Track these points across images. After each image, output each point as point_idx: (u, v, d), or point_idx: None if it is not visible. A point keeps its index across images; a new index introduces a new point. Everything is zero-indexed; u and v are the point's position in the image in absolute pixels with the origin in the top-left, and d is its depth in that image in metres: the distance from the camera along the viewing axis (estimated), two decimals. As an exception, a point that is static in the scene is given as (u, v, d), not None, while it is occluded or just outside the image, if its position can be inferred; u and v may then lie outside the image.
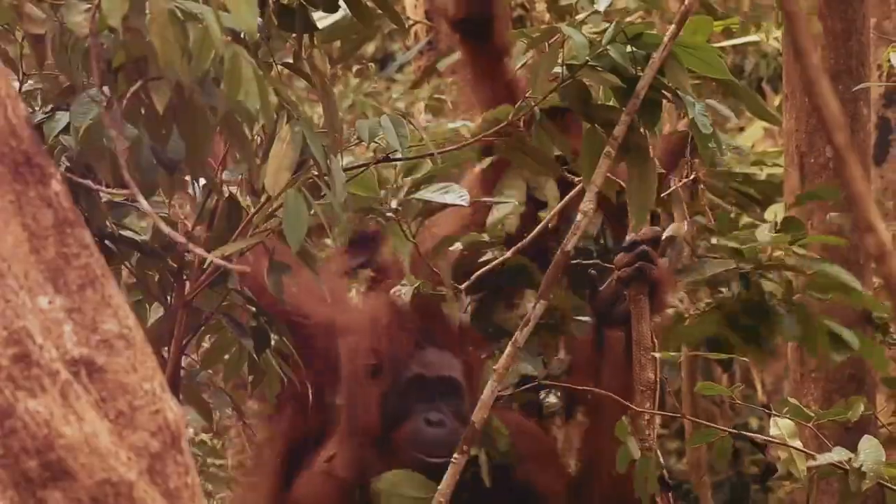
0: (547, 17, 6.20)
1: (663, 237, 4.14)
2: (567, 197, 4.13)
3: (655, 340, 3.90)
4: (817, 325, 4.10)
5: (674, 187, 4.32)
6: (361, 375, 4.08)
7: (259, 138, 3.30)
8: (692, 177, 4.33)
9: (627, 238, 3.97)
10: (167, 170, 3.12)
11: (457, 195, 3.67)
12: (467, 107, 4.62)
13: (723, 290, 4.21)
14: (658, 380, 3.87)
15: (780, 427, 3.89)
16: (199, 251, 2.88)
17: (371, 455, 4.02)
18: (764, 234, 4.18)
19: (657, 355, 3.90)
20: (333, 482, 4.06)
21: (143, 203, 2.72)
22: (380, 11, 3.44)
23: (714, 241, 4.14)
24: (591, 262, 4.17)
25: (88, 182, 3.17)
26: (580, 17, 4.30)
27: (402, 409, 4.00)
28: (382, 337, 4.07)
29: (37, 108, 3.32)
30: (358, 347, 4.09)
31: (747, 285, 4.17)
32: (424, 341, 4.07)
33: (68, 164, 3.25)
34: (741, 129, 6.54)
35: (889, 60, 4.82)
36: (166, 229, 2.77)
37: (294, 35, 3.38)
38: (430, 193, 3.66)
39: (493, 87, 4.32)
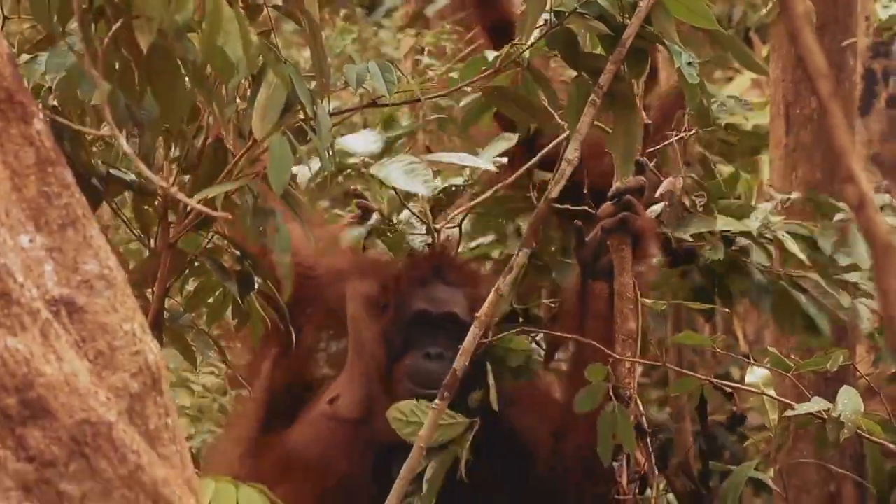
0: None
1: (658, 193, 4.15)
2: (552, 143, 4.14)
3: (638, 291, 3.90)
4: (793, 306, 4.10)
5: (669, 141, 4.33)
6: (368, 314, 4.10)
7: (246, 82, 3.29)
8: (684, 129, 4.32)
9: (612, 188, 3.97)
10: (139, 129, 3.11)
11: (422, 180, 3.65)
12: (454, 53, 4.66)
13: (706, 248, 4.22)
14: (640, 329, 3.87)
15: (755, 375, 3.92)
16: (182, 196, 2.87)
17: (377, 392, 4.04)
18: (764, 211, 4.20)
19: (646, 302, 3.92)
20: (338, 423, 4.07)
21: (125, 145, 2.71)
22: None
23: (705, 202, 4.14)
24: (578, 208, 4.14)
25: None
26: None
27: (406, 344, 4.03)
28: (389, 275, 4.10)
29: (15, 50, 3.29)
30: (365, 287, 4.11)
31: (730, 244, 4.18)
32: (431, 278, 4.10)
33: (54, 104, 3.23)
34: (729, 80, 6.53)
35: (877, 13, 4.81)
36: (147, 171, 2.76)
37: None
38: (396, 173, 3.63)
39: None
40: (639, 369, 3.89)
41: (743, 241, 4.19)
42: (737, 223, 4.17)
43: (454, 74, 4.82)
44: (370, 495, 3.96)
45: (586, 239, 3.96)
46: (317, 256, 4.11)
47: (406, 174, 3.77)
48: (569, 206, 4.09)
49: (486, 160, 4.08)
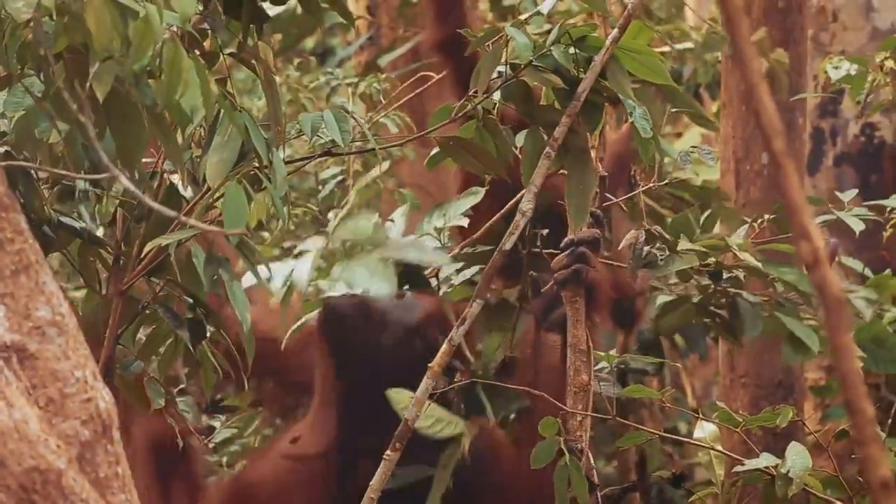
0: (489, 16, 6.22)
1: (621, 246, 4.17)
2: (512, 201, 4.15)
3: (591, 343, 3.91)
4: (776, 323, 4.10)
5: (632, 193, 4.35)
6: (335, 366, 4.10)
7: (201, 129, 3.29)
8: (641, 181, 4.35)
9: (565, 239, 3.98)
10: (95, 170, 3.11)
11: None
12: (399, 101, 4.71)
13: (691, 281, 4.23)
14: (591, 382, 3.87)
15: (704, 430, 3.93)
16: (195, 223, 2.85)
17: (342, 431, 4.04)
18: (736, 238, 4.22)
19: (599, 355, 3.92)
20: (298, 462, 4.06)
21: (125, 180, 2.70)
22: (326, 5, 3.43)
23: (682, 244, 4.15)
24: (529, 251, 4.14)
25: (28, 166, 3.15)
26: (523, 17, 4.31)
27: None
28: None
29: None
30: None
31: (719, 277, 4.19)
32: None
33: (7, 149, 3.22)
34: (678, 135, 6.59)
35: (825, 71, 4.87)
36: (154, 205, 2.77)
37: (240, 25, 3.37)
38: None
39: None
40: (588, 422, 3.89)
41: (732, 273, 4.19)
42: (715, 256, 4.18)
43: (385, 119, 4.87)
44: None
45: (541, 290, 3.97)
46: (278, 326, 4.08)
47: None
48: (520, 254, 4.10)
49: (441, 257, 4.05)
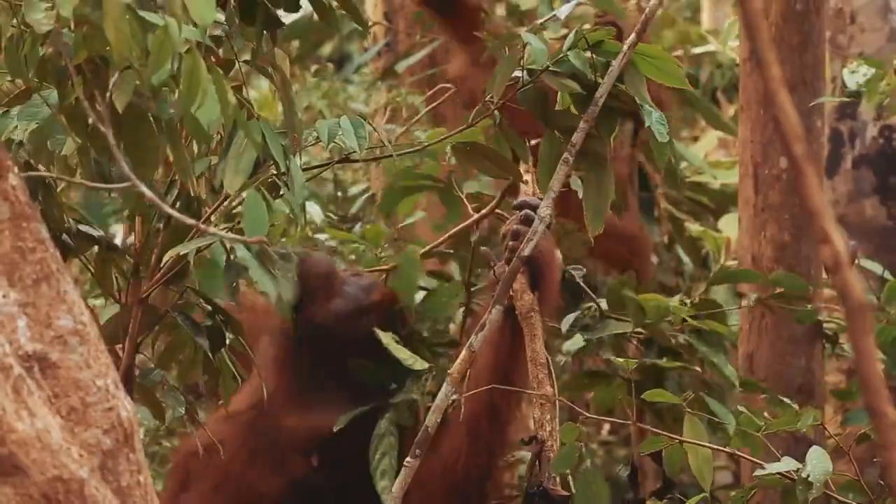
0: (506, 21, 6.21)
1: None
2: (496, 201, 4.16)
3: (548, 357, 3.89)
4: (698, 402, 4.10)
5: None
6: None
7: (219, 136, 3.29)
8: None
9: (516, 202, 3.93)
10: (106, 182, 3.12)
11: None
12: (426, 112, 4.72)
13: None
14: (556, 391, 3.86)
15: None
16: (214, 231, 2.87)
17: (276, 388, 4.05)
18: (674, 303, 4.22)
19: (618, 361, 3.91)
20: (238, 419, 4.05)
21: (145, 189, 2.71)
22: (342, 11, 3.44)
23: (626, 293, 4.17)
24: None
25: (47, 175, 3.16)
26: (539, 22, 4.32)
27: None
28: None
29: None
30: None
31: (649, 346, 4.21)
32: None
33: (27, 159, 3.23)
34: (695, 139, 6.58)
35: (844, 74, 4.85)
36: (173, 213, 2.77)
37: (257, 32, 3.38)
38: None
39: (471, 52, 4.58)
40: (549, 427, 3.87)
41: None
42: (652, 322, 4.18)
43: (418, 132, 4.87)
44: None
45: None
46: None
47: None
48: None
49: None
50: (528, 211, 3.82)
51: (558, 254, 3.97)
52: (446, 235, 4.25)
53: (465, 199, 4.19)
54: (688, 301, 4.23)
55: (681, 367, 4.14)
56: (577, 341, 4.17)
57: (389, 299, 4.16)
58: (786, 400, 4.28)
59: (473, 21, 4.80)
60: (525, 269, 3.81)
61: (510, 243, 3.78)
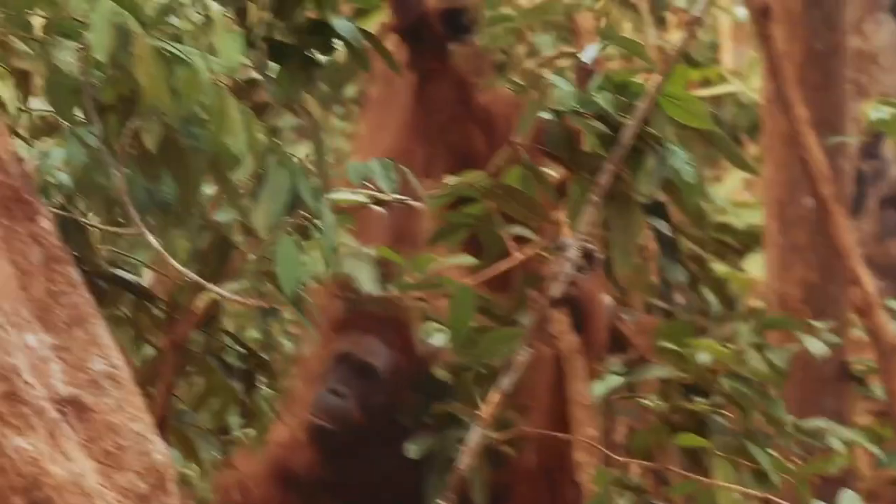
0: (527, 62, 6.23)
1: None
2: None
3: (591, 399, 3.88)
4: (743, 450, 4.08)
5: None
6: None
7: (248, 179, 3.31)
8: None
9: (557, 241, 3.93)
10: (161, 209, 3.13)
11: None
12: None
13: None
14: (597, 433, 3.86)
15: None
16: (215, 289, 2.88)
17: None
18: (710, 346, 4.20)
19: (648, 404, 3.90)
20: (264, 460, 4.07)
21: (151, 239, 2.72)
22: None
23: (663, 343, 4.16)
24: None
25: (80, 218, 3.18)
26: (562, 62, 4.34)
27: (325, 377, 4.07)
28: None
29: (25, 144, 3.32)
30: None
31: (693, 393, 4.19)
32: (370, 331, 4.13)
33: (61, 202, 3.25)
34: (718, 179, 6.58)
35: (866, 114, 4.86)
36: (178, 267, 2.77)
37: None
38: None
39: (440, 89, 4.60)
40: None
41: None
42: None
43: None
44: None
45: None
46: None
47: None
48: None
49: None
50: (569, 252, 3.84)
51: (606, 296, 3.97)
52: (490, 275, 4.20)
53: (507, 240, 4.14)
54: (731, 346, 4.19)
55: (712, 410, 4.12)
56: (610, 381, 4.15)
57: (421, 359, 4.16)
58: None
59: (441, 55, 4.82)
60: (567, 310, 3.81)
61: (550, 285, 3.79)
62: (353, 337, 4.12)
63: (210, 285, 2.97)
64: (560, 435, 3.85)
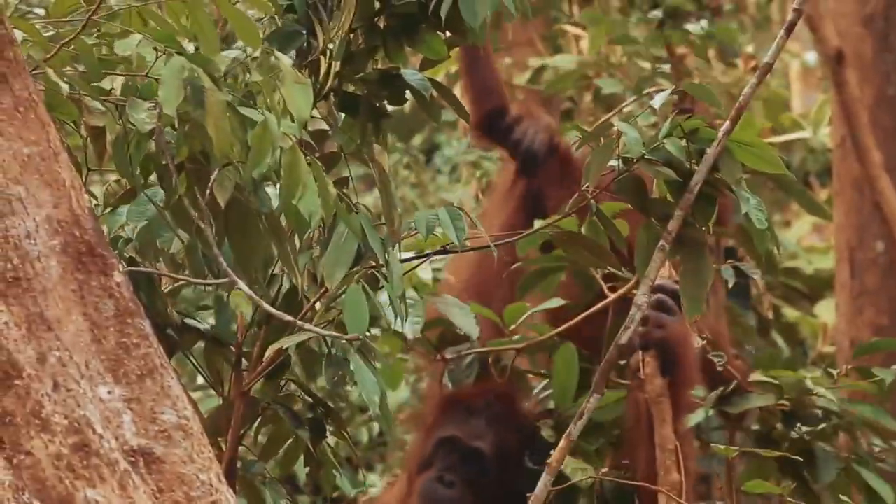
0: (593, 106, 6.23)
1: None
2: (618, 292, 4.13)
3: (677, 443, 3.85)
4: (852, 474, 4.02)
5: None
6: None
7: (321, 229, 3.32)
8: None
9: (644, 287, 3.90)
10: (215, 277, 3.15)
11: None
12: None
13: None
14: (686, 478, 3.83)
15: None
16: (312, 328, 2.90)
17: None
18: (806, 372, 4.16)
19: (718, 448, 3.86)
20: None
21: (244, 286, 2.74)
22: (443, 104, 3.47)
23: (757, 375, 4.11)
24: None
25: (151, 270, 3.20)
26: (629, 108, 4.32)
27: (431, 462, 4.07)
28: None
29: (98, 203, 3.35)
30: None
31: (793, 420, 4.14)
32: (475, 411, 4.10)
33: (131, 255, 3.28)
34: (787, 224, 6.54)
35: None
36: (269, 307, 2.80)
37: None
38: None
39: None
40: None
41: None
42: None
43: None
44: None
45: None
46: None
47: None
48: None
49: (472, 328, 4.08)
50: (661, 296, 3.83)
51: (695, 338, 3.95)
52: (579, 317, 4.17)
53: (600, 280, 4.13)
54: (833, 372, 4.15)
55: (819, 433, 4.06)
56: (698, 416, 4.10)
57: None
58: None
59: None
60: (657, 353, 3.80)
61: (640, 329, 3.77)
62: (457, 418, 4.09)
63: (299, 322, 2.98)
64: (645, 485, 3.83)
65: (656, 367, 3.86)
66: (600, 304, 4.16)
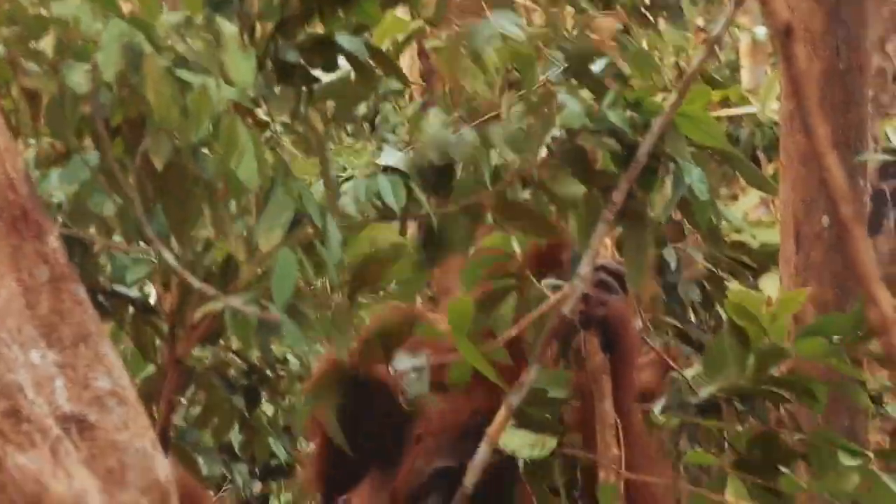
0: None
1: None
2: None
3: (617, 419, 3.86)
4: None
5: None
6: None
7: (256, 196, 3.29)
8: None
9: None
10: (147, 244, 3.12)
11: None
12: None
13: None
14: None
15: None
16: (229, 299, 2.86)
17: None
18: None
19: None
20: None
21: (168, 256, 2.71)
22: (381, 71, 3.44)
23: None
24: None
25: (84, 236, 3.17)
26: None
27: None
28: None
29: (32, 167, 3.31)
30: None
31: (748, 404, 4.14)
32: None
33: (63, 221, 3.24)
34: (734, 198, 6.56)
35: (885, 133, 4.84)
36: (190, 278, 2.76)
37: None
38: None
39: None
40: None
41: None
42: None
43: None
44: None
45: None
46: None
47: None
48: None
49: None
50: (603, 275, 3.83)
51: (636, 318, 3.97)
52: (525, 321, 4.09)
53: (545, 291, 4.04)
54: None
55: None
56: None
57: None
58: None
59: None
60: (598, 331, 3.81)
61: (580, 308, 3.77)
62: (443, 445, 4.00)
63: (220, 294, 2.95)
64: (583, 454, 3.84)
65: (597, 345, 3.87)
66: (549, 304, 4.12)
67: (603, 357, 3.87)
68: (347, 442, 3.83)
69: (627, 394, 3.92)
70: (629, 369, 3.92)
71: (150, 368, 3.42)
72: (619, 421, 3.84)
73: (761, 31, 7.95)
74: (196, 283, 2.83)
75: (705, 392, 4.05)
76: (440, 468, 3.98)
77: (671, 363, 4.24)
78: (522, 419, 3.90)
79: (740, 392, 4.08)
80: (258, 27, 3.28)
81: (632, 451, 3.87)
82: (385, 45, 4.52)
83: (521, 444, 3.91)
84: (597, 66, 3.94)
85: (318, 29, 3.36)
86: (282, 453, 4.12)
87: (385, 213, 3.65)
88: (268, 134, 3.35)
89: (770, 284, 5.34)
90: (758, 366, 4.02)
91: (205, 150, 3.10)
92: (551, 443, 3.86)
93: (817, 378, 4.05)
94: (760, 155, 6.08)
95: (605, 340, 3.86)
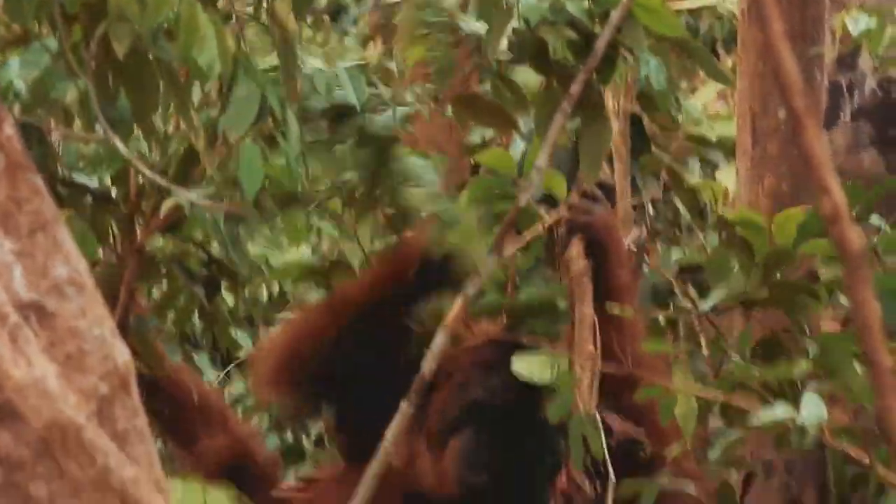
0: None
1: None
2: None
3: (595, 320, 3.91)
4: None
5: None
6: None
7: (219, 87, 3.28)
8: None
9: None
10: (112, 128, 3.11)
11: None
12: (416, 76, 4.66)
13: None
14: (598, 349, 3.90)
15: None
16: (184, 194, 2.86)
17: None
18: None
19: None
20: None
21: (121, 147, 2.70)
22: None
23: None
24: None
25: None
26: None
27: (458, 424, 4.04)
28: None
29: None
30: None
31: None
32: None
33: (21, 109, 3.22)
34: (693, 90, 6.56)
35: (843, 25, 4.84)
36: (148, 173, 2.76)
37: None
38: None
39: None
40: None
41: None
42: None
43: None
44: None
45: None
46: None
47: None
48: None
49: None
50: (588, 187, 3.89)
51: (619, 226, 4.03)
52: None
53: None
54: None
55: None
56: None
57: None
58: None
59: None
60: (582, 236, 3.89)
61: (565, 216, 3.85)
62: (473, 380, 4.02)
63: (175, 188, 2.95)
64: (560, 353, 3.88)
65: (581, 251, 3.92)
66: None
67: (585, 262, 3.92)
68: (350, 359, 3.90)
69: (624, 293, 3.97)
70: (617, 272, 3.98)
71: (101, 253, 3.42)
72: (614, 321, 3.89)
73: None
74: (150, 174, 2.82)
75: (710, 301, 4.08)
76: (472, 401, 4.02)
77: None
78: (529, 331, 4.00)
79: (747, 299, 4.12)
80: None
81: (633, 347, 3.95)
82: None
83: (536, 368, 3.95)
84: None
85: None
86: (247, 344, 4.15)
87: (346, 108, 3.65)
88: (231, 23, 3.33)
89: (728, 177, 5.37)
90: (765, 270, 4.07)
91: (165, 38, 3.09)
92: (564, 363, 3.90)
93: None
94: (720, 50, 6.07)
95: (589, 245, 3.92)
